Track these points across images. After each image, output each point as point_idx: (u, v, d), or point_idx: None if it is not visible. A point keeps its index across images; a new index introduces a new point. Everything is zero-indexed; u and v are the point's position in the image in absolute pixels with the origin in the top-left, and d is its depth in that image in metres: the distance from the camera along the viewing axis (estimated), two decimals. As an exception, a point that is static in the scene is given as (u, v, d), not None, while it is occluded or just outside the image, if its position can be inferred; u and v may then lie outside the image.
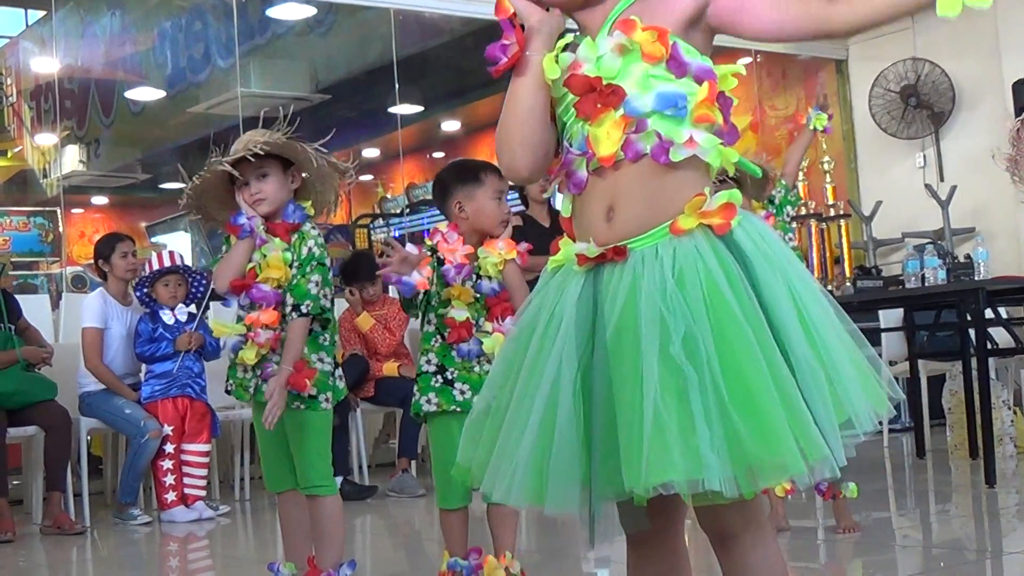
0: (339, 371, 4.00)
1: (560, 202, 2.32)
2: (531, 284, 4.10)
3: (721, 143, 2.18)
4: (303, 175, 3.96)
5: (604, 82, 2.16)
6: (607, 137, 2.17)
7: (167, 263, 6.96)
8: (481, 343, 3.92)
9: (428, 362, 3.95)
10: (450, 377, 3.93)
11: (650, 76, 2.16)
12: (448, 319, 3.92)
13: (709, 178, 2.20)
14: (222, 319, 3.95)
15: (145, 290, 6.97)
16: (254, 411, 4.05)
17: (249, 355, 3.86)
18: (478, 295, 3.94)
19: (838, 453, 2.02)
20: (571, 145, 2.22)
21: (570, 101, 2.22)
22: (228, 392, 4.03)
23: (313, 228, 3.95)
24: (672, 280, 2.08)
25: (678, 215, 2.14)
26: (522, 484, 2.10)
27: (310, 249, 3.88)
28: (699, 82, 2.17)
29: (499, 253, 3.93)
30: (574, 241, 2.28)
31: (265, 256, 3.87)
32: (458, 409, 3.87)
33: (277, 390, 3.76)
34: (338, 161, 3.93)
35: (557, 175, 2.30)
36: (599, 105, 2.17)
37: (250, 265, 3.89)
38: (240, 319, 3.92)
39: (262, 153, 3.78)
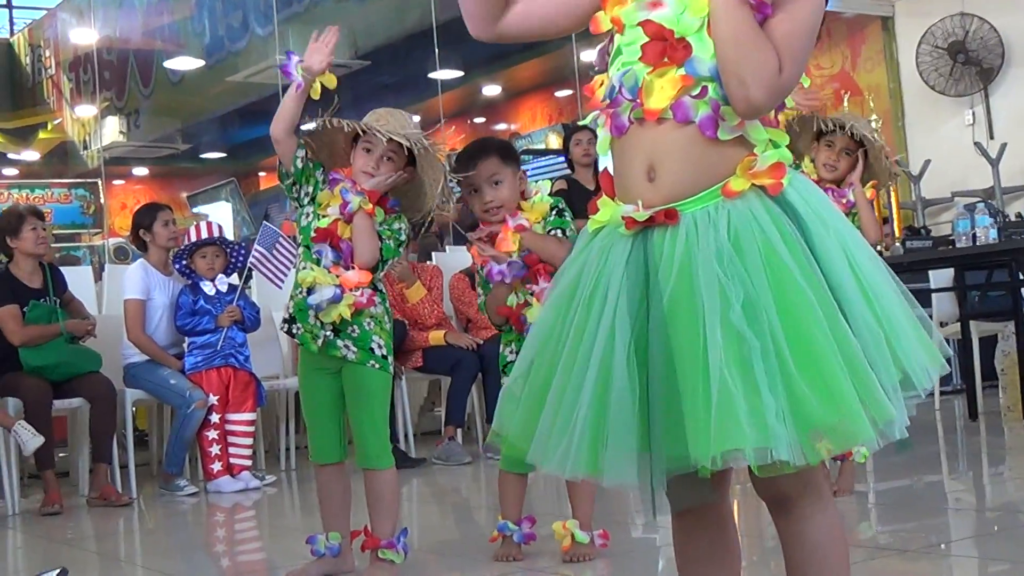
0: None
1: (600, 139, 2.26)
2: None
3: (769, 139, 2.14)
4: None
5: (676, 36, 2.11)
6: (660, 91, 2.12)
7: (205, 234, 6.97)
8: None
9: (512, 352, 4.09)
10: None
11: None
12: (502, 310, 4.07)
13: (755, 140, 2.14)
14: (320, 269, 3.94)
15: (184, 262, 7.01)
16: (308, 377, 4.05)
17: (345, 311, 3.89)
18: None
19: (902, 415, 2.00)
20: (623, 86, 2.16)
21: (636, 39, 2.16)
22: (293, 335, 4.01)
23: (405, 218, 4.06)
24: (728, 244, 2.04)
25: (728, 177, 2.10)
26: (577, 455, 2.06)
27: (401, 229, 4.01)
28: None
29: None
30: (612, 197, 2.23)
31: (361, 208, 3.90)
32: None
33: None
34: (450, 194, 4.02)
35: (602, 110, 2.24)
36: (664, 58, 2.12)
37: (335, 217, 3.92)
38: (324, 270, 3.95)
39: (421, 149, 3.89)
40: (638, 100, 2.14)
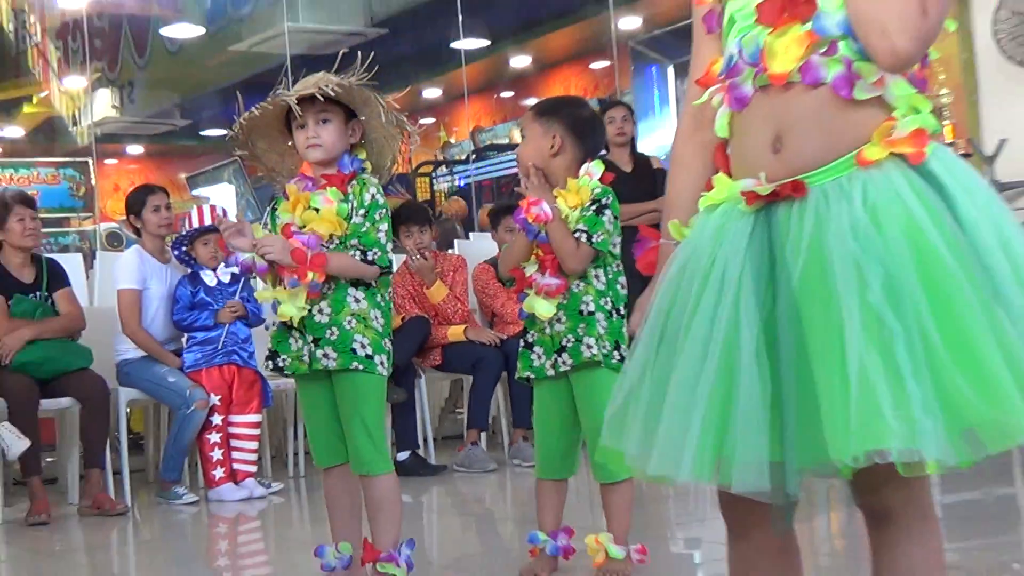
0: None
1: (718, 118, 2.23)
2: (626, 231, 4.17)
3: (915, 91, 2.09)
4: (362, 132, 4.02)
5: None
6: (785, 52, 2.09)
7: (207, 219, 6.96)
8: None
9: (525, 330, 4.20)
10: (530, 341, 4.18)
11: None
12: (516, 271, 4.18)
13: (895, 103, 2.09)
14: (267, 286, 3.98)
15: (184, 248, 7.02)
16: (302, 385, 4.10)
17: (290, 310, 3.88)
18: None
19: None
20: (742, 52, 2.14)
21: (750, 2, 2.14)
22: (281, 368, 4.02)
23: (373, 176, 4.00)
24: (865, 218, 1.99)
25: (863, 144, 2.06)
26: (694, 456, 2.01)
27: (373, 196, 3.93)
28: None
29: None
30: (727, 174, 2.20)
31: (318, 210, 3.91)
32: (532, 375, 4.16)
33: (282, 243, 3.84)
34: (407, 122, 3.99)
35: (719, 84, 2.22)
36: (785, 14, 2.09)
37: (288, 220, 3.95)
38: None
39: (332, 95, 3.83)
40: (761, 65, 2.11)
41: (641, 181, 7.47)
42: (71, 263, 7.91)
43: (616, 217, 4.08)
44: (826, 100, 2.08)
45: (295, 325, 3.92)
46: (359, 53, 3.87)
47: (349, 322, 3.89)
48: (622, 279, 4.14)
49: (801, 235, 2.03)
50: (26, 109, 16.82)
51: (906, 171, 2.04)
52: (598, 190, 4.08)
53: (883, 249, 1.96)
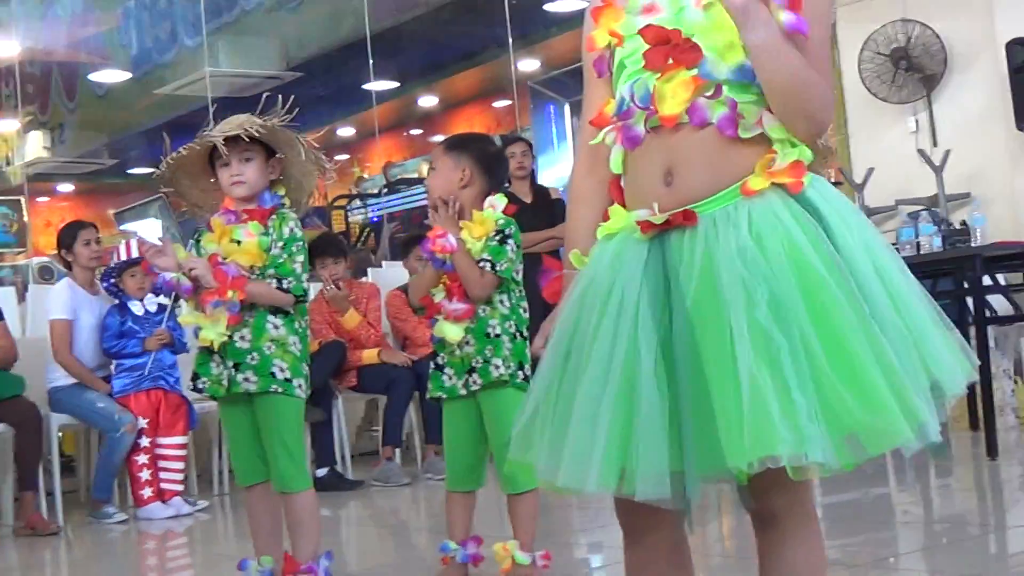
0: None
1: (612, 156, 2.24)
2: (528, 258, 4.15)
3: (787, 137, 2.12)
4: (281, 168, 4.00)
5: (683, 37, 2.10)
6: (673, 96, 2.11)
7: (135, 252, 6.87)
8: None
9: (435, 353, 4.17)
10: (440, 363, 4.14)
11: (733, 44, 2.09)
12: (426, 299, 4.15)
13: (774, 138, 2.12)
14: (191, 310, 3.93)
15: (112, 280, 6.94)
16: (224, 406, 4.05)
17: (211, 334, 3.85)
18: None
19: (934, 419, 1.99)
20: (634, 96, 2.15)
21: (637, 48, 2.15)
22: (200, 391, 3.99)
23: (291, 211, 3.97)
24: (751, 243, 2.02)
25: (747, 176, 2.09)
26: (600, 468, 2.00)
27: (292, 230, 3.92)
28: None
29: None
30: (622, 205, 2.21)
31: (240, 243, 3.87)
32: (444, 395, 4.12)
33: (206, 262, 3.80)
34: (324, 159, 3.98)
35: (612, 126, 2.22)
36: (670, 60, 2.10)
37: (213, 251, 3.90)
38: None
39: (257, 135, 3.83)
40: (652, 108, 2.13)
41: (541, 211, 7.49)
42: (5, 296, 7.82)
43: (519, 246, 4.07)
44: (712, 138, 2.10)
45: (216, 350, 3.86)
46: (279, 96, 3.87)
47: (268, 347, 3.87)
48: (524, 304, 4.12)
49: (693, 260, 2.05)
50: (-38, 151, 16.57)
51: (787, 200, 2.08)
52: (501, 221, 4.07)
53: (768, 271, 1.99)
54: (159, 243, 3.91)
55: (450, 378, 4.10)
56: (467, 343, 4.05)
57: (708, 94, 2.09)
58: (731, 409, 1.92)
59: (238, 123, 3.82)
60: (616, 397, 2.02)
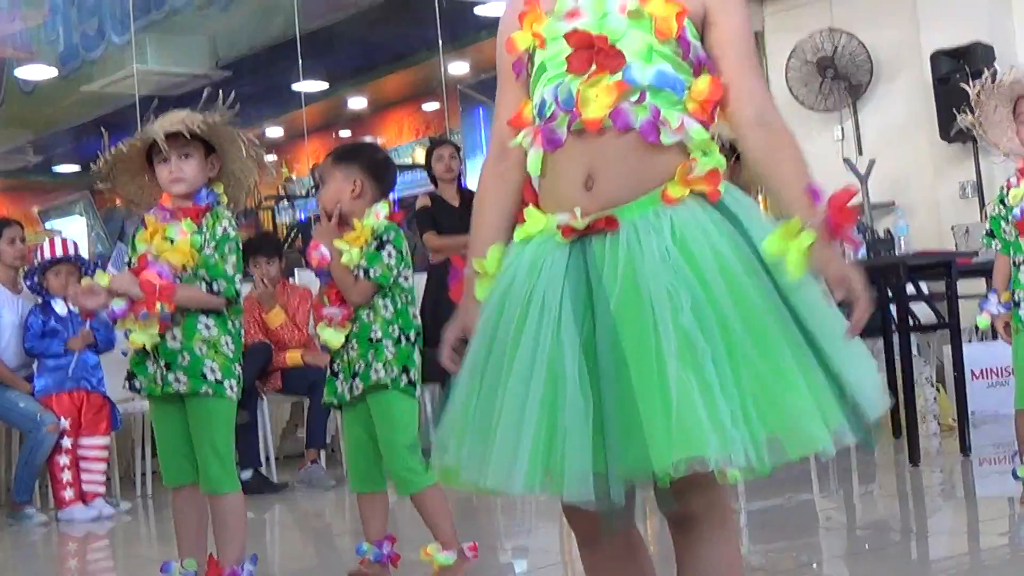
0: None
1: (530, 157, 2.23)
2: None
3: (708, 136, 2.16)
4: (220, 165, 3.97)
5: (608, 43, 2.12)
6: (596, 100, 2.12)
7: (59, 251, 6.83)
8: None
9: (332, 359, 4.19)
10: (336, 369, 4.17)
11: (654, 50, 2.13)
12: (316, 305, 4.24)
13: (692, 146, 2.15)
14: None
15: (36, 279, 6.85)
16: (155, 405, 4.00)
17: (141, 337, 3.80)
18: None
19: (855, 419, 1.99)
20: (557, 99, 2.16)
21: (560, 52, 2.16)
22: (137, 391, 3.95)
23: (226, 209, 3.95)
24: (675, 249, 2.04)
25: (667, 183, 2.11)
26: (525, 470, 2.01)
27: (225, 229, 3.89)
28: (697, 73, 2.17)
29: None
30: (536, 206, 2.22)
31: (172, 240, 3.83)
32: (335, 401, 4.17)
33: (130, 277, 3.77)
34: (264, 156, 3.98)
35: (531, 128, 2.22)
36: (594, 65, 2.12)
37: (144, 250, 3.85)
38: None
39: (198, 132, 3.80)
40: (575, 111, 2.13)
41: (467, 214, 7.40)
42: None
43: (400, 251, 4.08)
44: (634, 144, 2.12)
45: (149, 351, 3.83)
46: (220, 92, 3.87)
47: (200, 348, 3.84)
48: (413, 308, 4.16)
49: (616, 265, 2.06)
50: None
51: (706, 207, 2.12)
52: (380, 228, 4.09)
53: (691, 277, 2.02)
54: (83, 287, 3.86)
55: (342, 383, 4.13)
56: (352, 348, 4.09)
57: (633, 99, 2.11)
58: (657, 412, 1.94)
59: (179, 119, 3.80)
60: (540, 400, 2.03)
